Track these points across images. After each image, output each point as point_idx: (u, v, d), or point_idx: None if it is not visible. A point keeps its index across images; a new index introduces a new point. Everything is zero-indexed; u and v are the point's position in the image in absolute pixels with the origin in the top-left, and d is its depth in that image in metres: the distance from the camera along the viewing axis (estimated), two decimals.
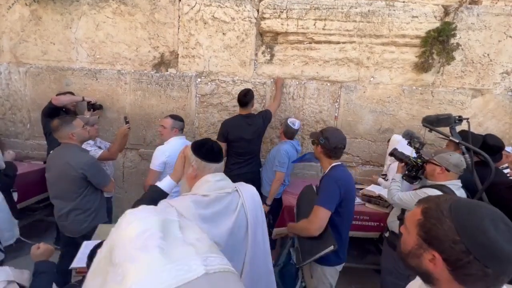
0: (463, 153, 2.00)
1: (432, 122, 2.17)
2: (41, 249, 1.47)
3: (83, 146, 2.39)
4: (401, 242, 0.76)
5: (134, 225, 0.56)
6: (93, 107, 3.04)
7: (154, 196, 1.25)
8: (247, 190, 1.24)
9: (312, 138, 1.87)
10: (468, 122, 2.11)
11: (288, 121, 2.75)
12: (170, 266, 0.48)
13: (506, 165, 2.49)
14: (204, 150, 1.23)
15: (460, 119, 2.10)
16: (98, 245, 1.33)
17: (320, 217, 1.60)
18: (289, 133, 2.77)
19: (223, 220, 1.11)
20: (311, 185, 1.98)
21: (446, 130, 2.15)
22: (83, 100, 2.95)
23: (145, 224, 0.56)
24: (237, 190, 1.21)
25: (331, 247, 1.56)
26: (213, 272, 0.53)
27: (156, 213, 0.62)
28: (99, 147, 2.58)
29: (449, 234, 0.63)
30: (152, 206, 0.72)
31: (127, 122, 2.55)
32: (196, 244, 0.57)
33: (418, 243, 0.70)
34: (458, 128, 2.16)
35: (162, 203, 1.10)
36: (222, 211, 1.13)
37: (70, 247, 1.95)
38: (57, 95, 2.92)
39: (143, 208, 0.66)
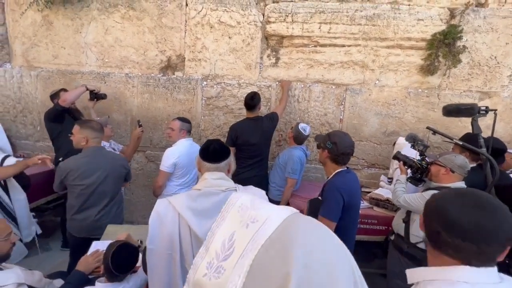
0: (480, 146, 1.91)
1: (451, 112, 1.99)
2: (82, 259, 1.51)
3: None
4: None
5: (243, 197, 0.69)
6: (96, 96, 2.92)
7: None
8: (249, 192, 1.22)
9: (318, 142, 1.77)
10: (495, 114, 1.87)
11: (300, 127, 2.68)
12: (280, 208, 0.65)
13: None
14: (202, 148, 1.29)
15: (486, 110, 1.86)
16: (110, 246, 1.35)
17: None
18: (299, 139, 2.71)
19: (213, 216, 1.11)
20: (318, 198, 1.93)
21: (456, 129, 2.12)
22: (87, 89, 2.83)
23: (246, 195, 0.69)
24: (235, 190, 1.21)
25: None
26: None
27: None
28: (113, 149, 2.63)
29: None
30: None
31: (140, 125, 2.60)
32: None
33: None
34: (482, 121, 1.90)
35: (163, 201, 1.16)
36: (212, 207, 1.13)
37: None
38: (52, 94, 2.90)
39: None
